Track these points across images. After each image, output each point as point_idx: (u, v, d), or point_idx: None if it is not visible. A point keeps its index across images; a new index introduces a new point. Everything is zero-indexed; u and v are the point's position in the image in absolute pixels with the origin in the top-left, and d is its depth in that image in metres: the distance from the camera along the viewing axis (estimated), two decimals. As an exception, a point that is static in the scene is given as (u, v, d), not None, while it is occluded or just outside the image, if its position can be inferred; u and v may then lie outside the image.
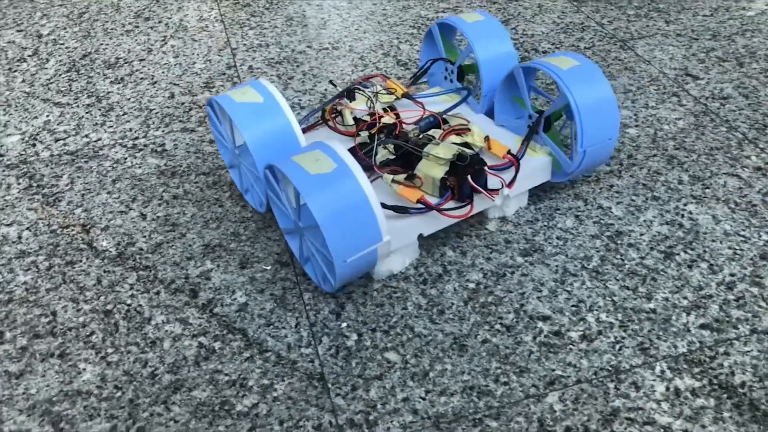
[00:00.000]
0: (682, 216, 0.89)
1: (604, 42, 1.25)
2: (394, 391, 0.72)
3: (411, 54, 1.27)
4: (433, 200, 0.81)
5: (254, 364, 0.76)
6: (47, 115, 1.19)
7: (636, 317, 0.77)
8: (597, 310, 0.78)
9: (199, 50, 1.34)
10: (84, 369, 0.77)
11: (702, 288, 0.80)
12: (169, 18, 1.46)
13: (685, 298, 0.79)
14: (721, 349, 0.73)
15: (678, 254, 0.84)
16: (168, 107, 1.18)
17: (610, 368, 0.72)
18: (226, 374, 0.75)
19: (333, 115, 0.94)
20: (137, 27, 1.44)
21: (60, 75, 1.29)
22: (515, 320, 0.78)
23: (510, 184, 0.82)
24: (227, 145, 0.92)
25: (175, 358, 0.77)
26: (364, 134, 0.88)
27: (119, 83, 1.26)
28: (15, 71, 1.32)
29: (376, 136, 0.86)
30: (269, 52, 1.31)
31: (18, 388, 0.75)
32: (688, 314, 0.77)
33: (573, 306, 0.79)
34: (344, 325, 0.79)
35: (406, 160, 0.84)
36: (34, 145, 1.12)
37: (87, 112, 1.18)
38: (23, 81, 1.29)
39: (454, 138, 0.86)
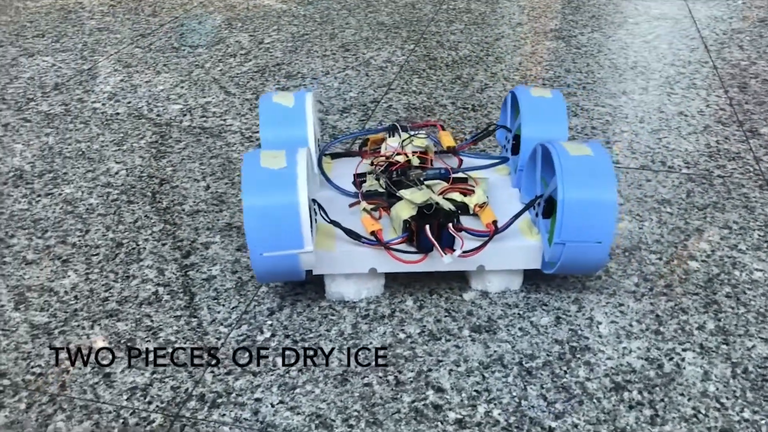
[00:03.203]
0: (670, 359, 0.77)
1: (745, 177, 1.11)
2: (254, 389, 0.73)
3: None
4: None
5: (178, 322, 0.83)
6: (213, 98, 1.39)
7: (527, 428, 0.69)
8: (495, 404, 0.71)
9: (363, 83, 1.45)
10: (69, 276, 0.90)
11: (624, 432, 0.68)
12: (364, 54, 1.61)
13: (597, 433, 0.68)
14: (587, 496, 0.62)
15: (630, 391, 0.73)
16: (298, 117, 1.31)
17: (456, 459, 0.66)
18: (152, 320, 0.83)
19: (375, 147, 0.97)
20: (334, 54, 1.61)
21: (248, 73, 1.50)
22: (411, 379, 0.74)
23: (474, 251, 0.79)
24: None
25: (129, 294, 0.87)
26: (367, 163, 0.91)
27: (282, 89, 1.42)
28: (220, 62, 1.56)
29: (376, 168, 0.88)
30: (416, 99, 1.38)
31: (20, 271, 0.91)
32: (585, 449, 0.67)
33: (475, 391, 0.73)
34: (268, 322, 0.82)
35: (395, 198, 0.85)
36: (185, 115, 1.32)
37: (240, 104, 1.36)
38: (219, 70, 1.52)
39: (455, 195, 0.85)
